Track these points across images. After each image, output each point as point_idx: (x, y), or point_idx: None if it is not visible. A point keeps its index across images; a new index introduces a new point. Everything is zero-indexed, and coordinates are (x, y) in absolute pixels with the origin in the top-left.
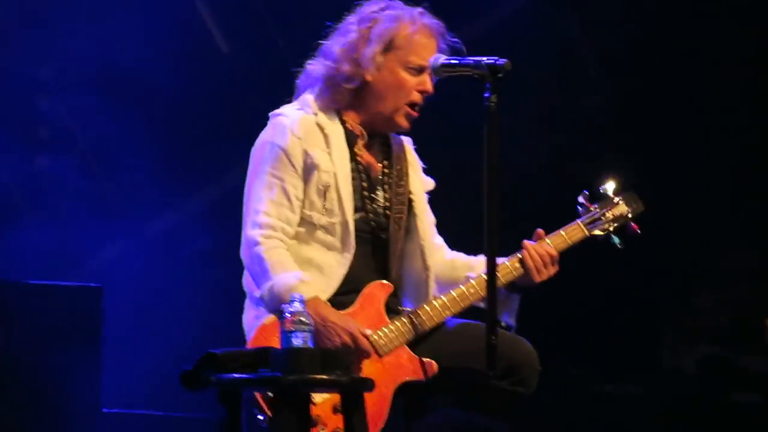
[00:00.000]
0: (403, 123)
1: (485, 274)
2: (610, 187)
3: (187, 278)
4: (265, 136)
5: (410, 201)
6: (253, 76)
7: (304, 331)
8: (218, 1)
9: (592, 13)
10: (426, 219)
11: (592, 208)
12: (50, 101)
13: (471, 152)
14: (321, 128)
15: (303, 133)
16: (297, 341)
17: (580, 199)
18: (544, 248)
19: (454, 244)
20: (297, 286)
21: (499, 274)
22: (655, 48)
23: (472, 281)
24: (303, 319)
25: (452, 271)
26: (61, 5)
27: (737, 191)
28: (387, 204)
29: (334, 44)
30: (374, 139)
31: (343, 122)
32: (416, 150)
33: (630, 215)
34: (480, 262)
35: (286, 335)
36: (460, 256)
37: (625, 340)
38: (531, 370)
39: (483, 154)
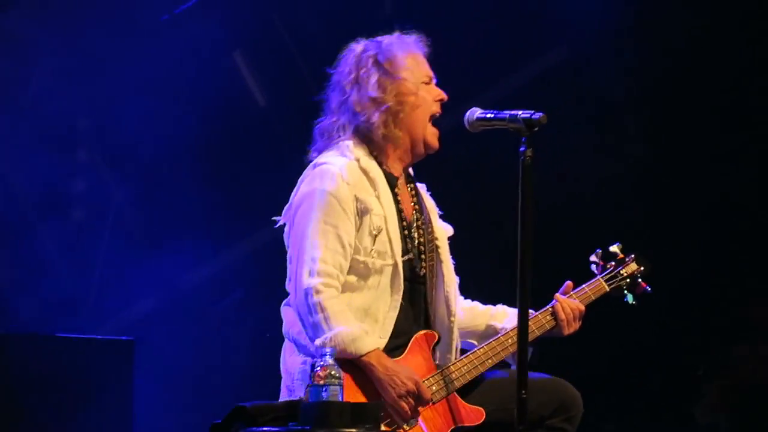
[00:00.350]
0: (434, 142)
1: (521, 334)
2: (618, 246)
3: (219, 332)
4: (313, 184)
5: (436, 247)
6: (289, 129)
7: (335, 384)
8: (256, 56)
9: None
10: (450, 265)
11: (608, 266)
12: (87, 151)
13: (496, 204)
14: (365, 173)
15: (352, 179)
16: (326, 395)
17: (593, 257)
18: (574, 303)
19: (472, 291)
20: (362, 337)
21: (533, 326)
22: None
23: (509, 332)
24: (333, 372)
25: (472, 320)
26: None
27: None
28: (422, 248)
29: (337, 97)
30: (406, 179)
31: (380, 164)
32: (432, 196)
33: (641, 274)
34: (499, 311)
35: (316, 389)
36: (477, 305)
37: (659, 397)
38: (578, 410)
39: (517, 208)
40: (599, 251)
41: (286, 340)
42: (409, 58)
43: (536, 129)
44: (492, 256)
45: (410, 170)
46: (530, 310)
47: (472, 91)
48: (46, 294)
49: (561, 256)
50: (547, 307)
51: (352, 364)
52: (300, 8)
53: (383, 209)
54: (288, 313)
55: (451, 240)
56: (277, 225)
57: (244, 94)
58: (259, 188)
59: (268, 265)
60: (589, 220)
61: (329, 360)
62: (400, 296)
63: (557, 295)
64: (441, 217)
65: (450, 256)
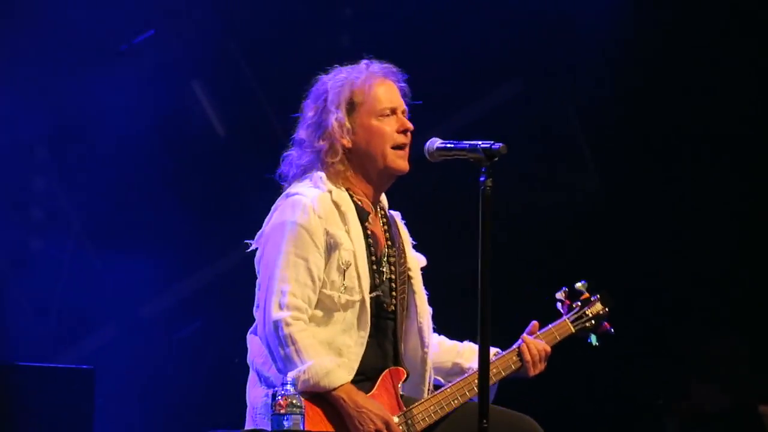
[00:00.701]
0: (399, 164)
1: (481, 364)
2: (583, 285)
3: (181, 360)
4: (285, 214)
5: (409, 278)
6: (248, 157)
7: (296, 413)
8: (214, 85)
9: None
10: (424, 297)
11: (574, 305)
12: (45, 181)
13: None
14: (337, 206)
15: (323, 211)
16: (288, 424)
17: (559, 295)
18: (541, 344)
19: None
20: (334, 370)
21: (500, 367)
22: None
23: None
24: (295, 401)
25: (438, 356)
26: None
27: (726, 279)
28: (393, 283)
29: (302, 130)
30: (378, 211)
31: (351, 196)
32: (406, 224)
33: (605, 314)
34: (466, 348)
35: (277, 418)
36: (444, 341)
37: (621, 429)
38: None
39: (477, 238)
40: (565, 289)
41: (250, 369)
42: (373, 88)
43: (496, 159)
44: (453, 289)
45: (384, 199)
46: (497, 350)
47: (432, 121)
48: (5, 322)
49: (524, 290)
50: (513, 347)
51: (323, 399)
52: (257, 37)
53: (353, 244)
54: (254, 343)
55: (425, 270)
56: (249, 249)
57: (204, 123)
58: (221, 215)
59: (231, 292)
60: (551, 252)
61: (290, 389)
62: (367, 333)
63: (524, 336)
64: (414, 247)
65: (423, 288)
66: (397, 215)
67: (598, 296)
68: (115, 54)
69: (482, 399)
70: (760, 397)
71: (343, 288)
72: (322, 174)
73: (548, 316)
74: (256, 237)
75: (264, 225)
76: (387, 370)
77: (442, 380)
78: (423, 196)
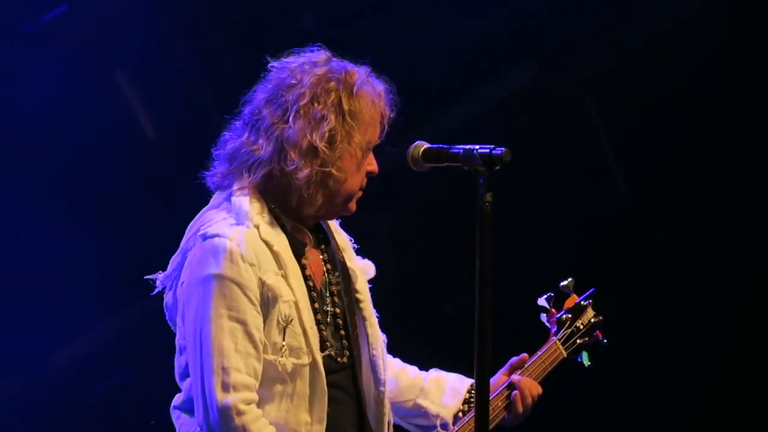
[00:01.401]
0: (354, 209)
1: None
2: (569, 283)
3: (96, 420)
4: (206, 266)
5: (358, 302)
6: (186, 166)
7: None
8: (143, 76)
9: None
10: (375, 323)
11: (564, 318)
12: None
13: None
14: (269, 245)
15: (254, 257)
16: None
17: (543, 302)
18: (535, 388)
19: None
20: None
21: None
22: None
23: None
24: None
25: (397, 393)
26: None
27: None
28: (342, 322)
29: (308, 131)
30: (314, 233)
31: (283, 227)
32: (340, 224)
33: (599, 322)
34: (432, 383)
35: None
36: (406, 370)
37: None
38: None
39: (475, 264)
40: (551, 295)
41: None
42: (372, 113)
43: (497, 168)
44: (443, 319)
45: None
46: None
47: (418, 118)
48: None
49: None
50: (500, 389)
51: None
52: (198, 16)
53: (293, 292)
54: (183, 424)
55: (372, 282)
56: (156, 291)
57: (130, 123)
58: (150, 241)
59: (158, 338)
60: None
61: None
62: (325, 402)
63: (516, 377)
64: (357, 251)
65: (373, 310)
66: (332, 222)
67: (590, 300)
68: (18, 35)
69: None
70: None
71: (286, 350)
72: (243, 199)
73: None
74: (164, 277)
75: (173, 268)
76: None
77: (401, 422)
78: (406, 213)
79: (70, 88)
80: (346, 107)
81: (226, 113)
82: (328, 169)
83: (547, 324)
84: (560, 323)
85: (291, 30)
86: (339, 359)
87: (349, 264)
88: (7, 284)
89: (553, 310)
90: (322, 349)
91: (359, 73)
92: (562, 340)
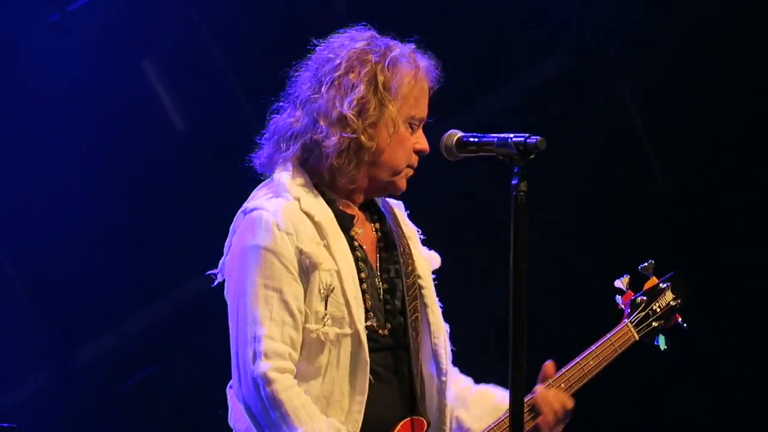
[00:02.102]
0: (403, 186)
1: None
2: (650, 265)
3: (124, 417)
4: (245, 238)
5: (420, 288)
6: (215, 160)
7: None
8: (172, 66)
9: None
10: (438, 311)
11: (639, 300)
12: None
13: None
14: (310, 216)
15: (291, 226)
16: None
17: (619, 284)
18: (561, 397)
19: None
20: None
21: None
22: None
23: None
24: None
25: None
26: None
27: None
28: (397, 302)
29: (338, 101)
30: (365, 212)
31: (329, 202)
32: (409, 216)
33: (677, 305)
34: (477, 393)
35: None
36: (458, 381)
37: None
38: None
39: (509, 256)
40: (626, 276)
41: None
42: (413, 87)
43: (532, 157)
44: (476, 319)
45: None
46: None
47: (452, 107)
48: None
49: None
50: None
51: None
52: (229, 6)
53: (335, 262)
54: (235, 403)
55: (437, 274)
56: (216, 282)
57: (159, 114)
58: (179, 232)
59: (192, 329)
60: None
61: None
62: (367, 374)
63: (538, 387)
64: (423, 242)
65: (436, 299)
66: (397, 206)
67: (669, 283)
68: (45, 24)
69: None
70: None
71: (329, 320)
72: (285, 174)
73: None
74: (219, 265)
75: (225, 249)
76: (401, 422)
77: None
78: (440, 203)
79: (97, 79)
80: (380, 78)
81: (256, 105)
82: (356, 137)
83: (621, 306)
84: (634, 305)
85: (324, 18)
86: (380, 331)
87: (414, 251)
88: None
89: (630, 291)
90: (367, 319)
91: (401, 48)
92: (635, 322)
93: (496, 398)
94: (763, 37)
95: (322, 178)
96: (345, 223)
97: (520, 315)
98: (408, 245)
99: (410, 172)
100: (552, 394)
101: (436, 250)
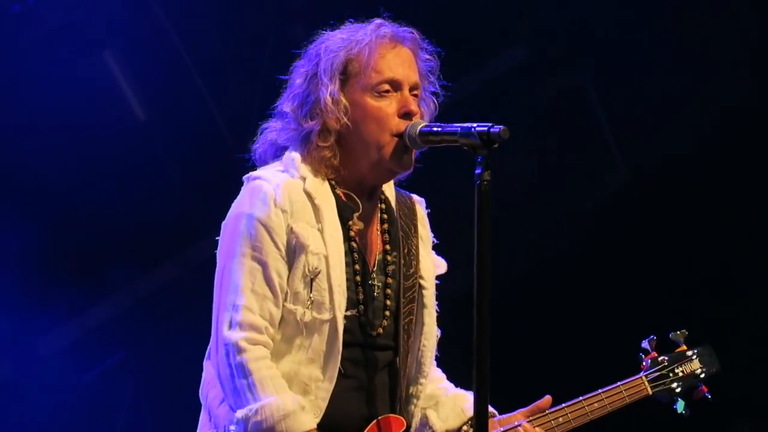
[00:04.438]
0: (398, 160)
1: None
2: (681, 334)
3: (89, 405)
4: (240, 205)
5: (421, 289)
6: (175, 148)
7: None
8: (133, 57)
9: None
10: (434, 313)
11: (661, 360)
12: None
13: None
14: (310, 197)
15: (287, 203)
16: None
17: (645, 344)
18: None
19: None
20: (295, 413)
21: None
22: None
23: None
24: None
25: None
26: None
27: None
28: (390, 302)
29: (284, 100)
30: (373, 208)
31: (333, 189)
32: (429, 216)
33: (703, 375)
34: (451, 396)
35: None
36: (435, 380)
37: None
38: None
39: (474, 246)
40: (653, 338)
41: (202, 406)
42: (374, 56)
43: (496, 146)
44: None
45: (388, 187)
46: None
47: None
48: None
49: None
50: (507, 428)
51: None
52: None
53: (325, 247)
54: (208, 371)
55: (441, 280)
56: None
57: (120, 104)
58: (140, 221)
59: (157, 317)
60: (565, 263)
61: None
62: (338, 363)
63: (525, 423)
64: (435, 247)
65: (435, 302)
66: (420, 203)
67: (696, 351)
68: (6, 16)
69: None
70: None
71: (309, 303)
72: (296, 155)
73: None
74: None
75: None
76: (376, 420)
77: None
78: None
79: (59, 69)
80: (322, 66)
81: (218, 94)
82: (302, 126)
83: (643, 362)
84: (654, 363)
85: (282, 10)
86: (370, 328)
87: (421, 251)
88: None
89: (653, 352)
90: (348, 309)
91: (357, 28)
92: (650, 378)
93: (467, 404)
94: (727, 26)
95: (327, 166)
96: (345, 213)
97: (484, 302)
98: (417, 246)
99: (407, 144)
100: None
101: None
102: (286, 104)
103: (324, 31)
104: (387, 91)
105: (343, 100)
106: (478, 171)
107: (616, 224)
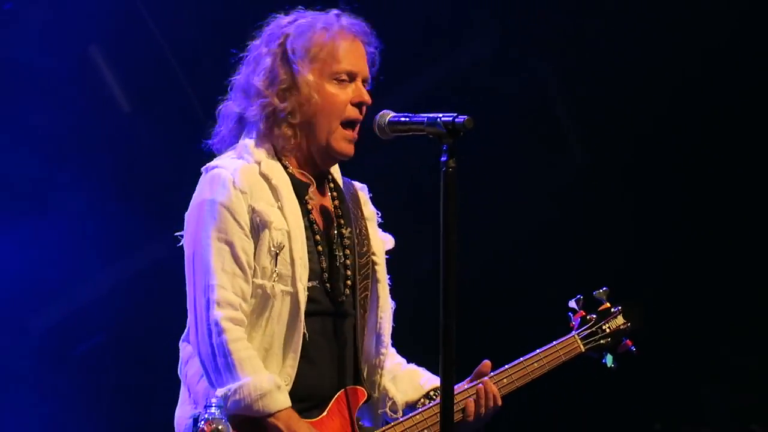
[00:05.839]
0: (343, 148)
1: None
2: (604, 292)
3: (74, 386)
4: (203, 193)
5: (373, 264)
6: (159, 139)
7: None
8: (118, 51)
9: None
10: (386, 287)
11: (589, 318)
12: None
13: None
14: (267, 179)
15: (247, 185)
16: None
17: (573, 304)
18: (493, 401)
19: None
20: (272, 392)
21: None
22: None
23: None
24: (221, 427)
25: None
26: None
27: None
28: (348, 271)
29: (252, 77)
30: (323, 184)
31: (285, 168)
32: (372, 199)
33: (627, 329)
34: (407, 371)
35: None
36: (391, 356)
37: None
38: None
39: (440, 230)
40: (580, 297)
41: (181, 383)
42: (337, 44)
43: (461, 135)
44: (405, 295)
45: (335, 170)
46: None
47: (383, 88)
48: None
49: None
50: (466, 386)
51: (258, 425)
52: None
53: (287, 223)
54: (185, 351)
55: (390, 255)
56: (181, 243)
57: (105, 97)
58: (126, 208)
59: (140, 299)
60: (527, 246)
61: (215, 412)
62: (302, 332)
63: (478, 385)
64: (380, 225)
65: (387, 276)
66: (362, 188)
67: (620, 308)
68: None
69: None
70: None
71: (275, 276)
72: (249, 141)
73: (525, 324)
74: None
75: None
76: (341, 390)
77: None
78: (376, 179)
79: (47, 64)
80: (290, 45)
81: (198, 85)
82: (271, 102)
83: (573, 322)
84: (584, 321)
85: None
86: (334, 297)
87: (370, 230)
88: None
89: (581, 311)
90: (311, 280)
91: (319, 15)
92: (582, 336)
93: (422, 378)
94: (680, 16)
95: (277, 146)
96: (300, 191)
97: (451, 291)
98: (366, 226)
99: (350, 134)
100: (493, 389)
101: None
102: (254, 79)
103: (276, 15)
104: (344, 80)
105: (313, 81)
106: (443, 159)
107: (574, 207)
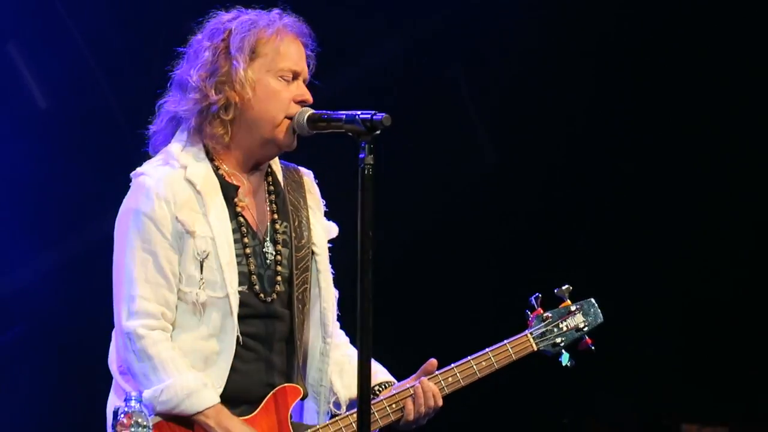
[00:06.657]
0: (287, 140)
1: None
2: (566, 289)
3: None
4: (128, 202)
5: (313, 254)
6: (76, 135)
7: None
8: (34, 48)
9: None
10: (329, 276)
11: (545, 316)
12: None
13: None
14: (192, 185)
15: (170, 194)
16: None
17: (531, 301)
18: (433, 400)
19: None
20: (198, 390)
21: (377, 415)
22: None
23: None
24: (140, 421)
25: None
26: None
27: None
28: (283, 269)
29: (190, 70)
30: (259, 181)
31: (216, 170)
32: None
33: (586, 328)
34: (353, 367)
35: None
36: (341, 348)
37: None
38: None
39: (357, 227)
40: (539, 295)
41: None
42: (283, 42)
43: (378, 132)
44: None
45: (275, 162)
46: (388, 380)
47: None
48: None
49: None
50: (400, 390)
51: (189, 422)
52: None
53: (211, 230)
54: (114, 344)
55: (333, 243)
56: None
57: (23, 92)
58: (46, 200)
59: (61, 290)
60: (442, 242)
61: (135, 405)
62: (235, 336)
63: (416, 384)
64: (326, 214)
65: (329, 266)
66: (307, 175)
67: (580, 305)
68: None
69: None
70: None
71: (201, 283)
72: (176, 147)
73: (442, 317)
74: None
75: None
76: (279, 388)
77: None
78: None
79: None
80: (230, 43)
81: (115, 84)
82: (206, 96)
83: (529, 320)
84: (539, 319)
85: (174, 6)
86: (262, 295)
87: (312, 220)
88: None
89: (539, 308)
90: (241, 284)
91: (262, 13)
92: (536, 335)
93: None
94: (592, 14)
95: (208, 147)
96: (229, 193)
97: (368, 287)
98: (307, 216)
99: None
100: (432, 388)
101: None
102: (192, 72)
103: (216, 12)
104: (287, 78)
105: (252, 77)
106: (361, 156)
107: (488, 199)
